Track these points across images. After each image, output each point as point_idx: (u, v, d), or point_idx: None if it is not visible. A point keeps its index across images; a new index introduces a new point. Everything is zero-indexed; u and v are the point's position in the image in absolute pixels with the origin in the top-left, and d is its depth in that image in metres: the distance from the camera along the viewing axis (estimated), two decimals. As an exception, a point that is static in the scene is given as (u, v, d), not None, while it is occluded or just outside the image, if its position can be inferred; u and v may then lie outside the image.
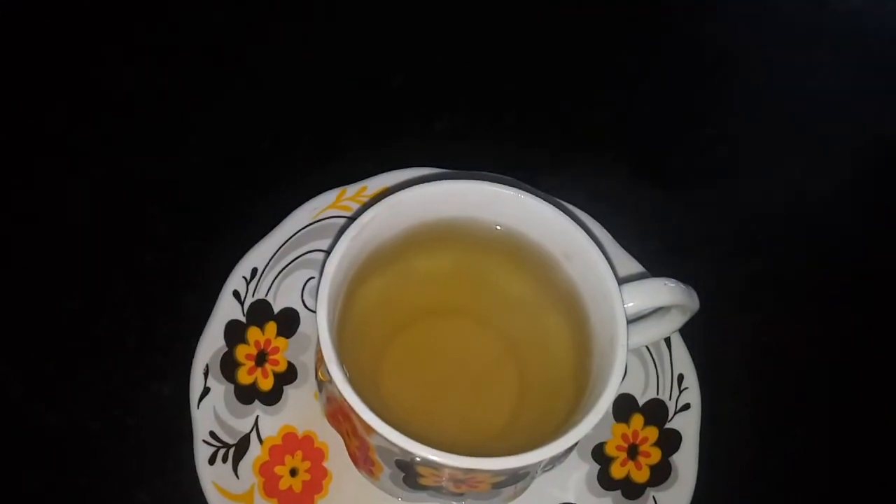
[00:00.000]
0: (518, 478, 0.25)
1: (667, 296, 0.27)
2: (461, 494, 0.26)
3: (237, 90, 0.38)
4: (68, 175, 0.36)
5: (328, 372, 0.24)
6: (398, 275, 0.29)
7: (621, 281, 0.27)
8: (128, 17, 0.39)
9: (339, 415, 0.27)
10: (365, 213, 0.27)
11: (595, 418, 0.24)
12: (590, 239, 0.27)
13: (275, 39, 0.40)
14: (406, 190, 0.27)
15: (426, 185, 0.28)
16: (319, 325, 0.24)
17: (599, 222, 0.33)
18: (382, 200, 0.27)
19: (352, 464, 0.30)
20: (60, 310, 0.33)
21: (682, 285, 0.27)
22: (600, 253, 0.27)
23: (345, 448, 0.30)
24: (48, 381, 0.32)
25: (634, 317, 0.29)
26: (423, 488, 0.26)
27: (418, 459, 0.23)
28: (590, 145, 0.39)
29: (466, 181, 0.28)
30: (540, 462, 0.23)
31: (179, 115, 0.37)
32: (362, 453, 0.27)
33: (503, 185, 0.28)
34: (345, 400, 0.23)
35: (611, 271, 0.26)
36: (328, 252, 0.26)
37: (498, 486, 0.25)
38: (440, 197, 0.28)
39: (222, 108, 0.38)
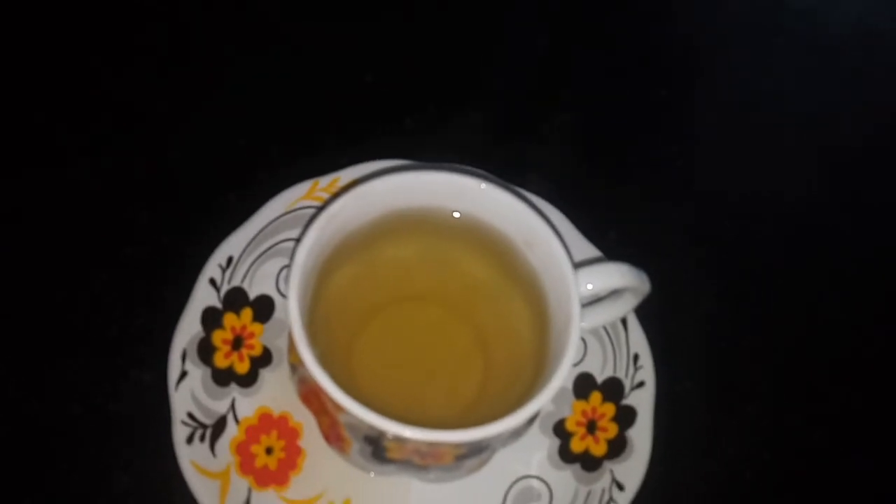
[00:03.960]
0: (479, 450, 0.27)
1: (620, 279, 0.29)
2: (427, 467, 0.28)
3: (215, 89, 0.39)
4: (51, 172, 0.37)
5: (299, 353, 0.25)
6: (367, 262, 0.30)
7: (579, 265, 0.29)
8: (111, 21, 0.40)
9: (310, 395, 0.29)
10: (333, 203, 0.28)
11: (546, 396, 0.25)
12: (548, 227, 0.28)
13: (250, 39, 0.41)
14: (373, 180, 0.29)
15: (393, 175, 0.29)
16: (290, 310, 0.26)
17: (562, 213, 0.35)
18: (350, 190, 0.28)
19: (325, 442, 0.31)
20: (44, 301, 0.35)
21: (634, 269, 0.29)
22: (558, 240, 0.28)
23: (318, 427, 0.31)
24: (32, 370, 0.34)
25: (591, 299, 0.30)
26: (391, 462, 0.28)
27: (385, 433, 0.25)
28: (554, 141, 0.40)
29: (432, 171, 0.29)
30: (497, 436, 0.25)
31: (159, 113, 0.38)
32: (333, 430, 0.28)
33: (467, 176, 0.29)
34: (313, 378, 0.24)
35: (567, 257, 0.28)
36: (299, 240, 0.27)
37: (460, 458, 0.27)
38: (406, 186, 0.29)
39: (201, 106, 0.39)
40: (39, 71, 0.39)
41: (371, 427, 0.24)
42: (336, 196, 0.28)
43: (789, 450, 0.36)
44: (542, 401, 0.25)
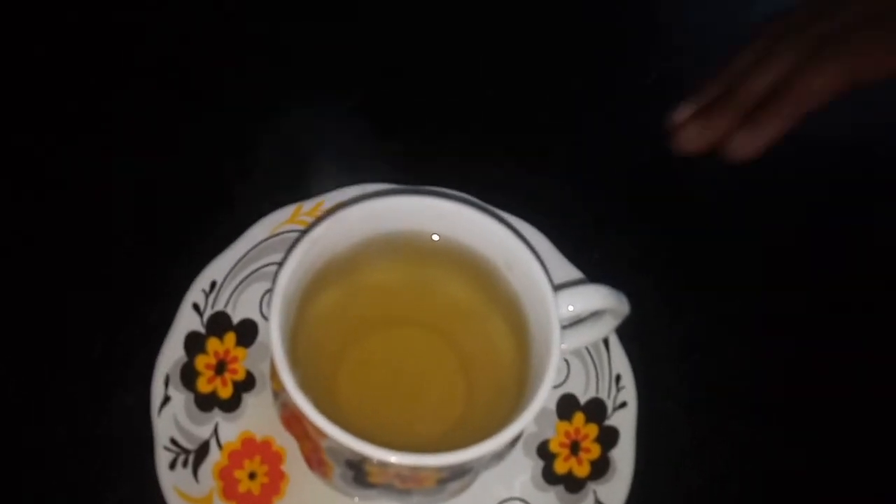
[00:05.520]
0: (461, 473, 0.27)
1: (600, 300, 0.29)
2: (409, 491, 0.28)
3: (199, 111, 0.40)
4: (34, 193, 0.37)
5: (280, 377, 0.25)
6: (350, 286, 0.31)
7: (560, 287, 0.29)
8: (97, 41, 0.41)
9: (292, 420, 0.29)
10: (316, 228, 0.28)
11: (527, 419, 0.25)
12: (528, 249, 0.29)
13: (236, 62, 0.41)
14: (356, 205, 0.29)
15: (374, 200, 0.29)
16: (272, 335, 0.26)
17: (545, 235, 0.35)
18: (333, 215, 0.29)
19: (308, 468, 0.31)
20: (27, 323, 0.35)
21: (614, 291, 0.29)
22: (538, 262, 0.28)
23: (300, 452, 0.31)
24: (16, 392, 0.33)
25: (572, 320, 0.31)
26: (373, 486, 0.28)
27: (366, 458, 0.25)
28: (537, 164, 0.40)
29: (413, 196, 0.30)
30: (478, 458, 0.25)
31: (143, 136, 0.39)
32: (315, 455, 0.28)
33: (448, 200, 0.30)
34: (294, 403, 0.24)
35: (547, 279, 0.28)
36: (281, 265, 0.27)
37: (443, 481, 0.27)
38: (388, 211, 0.29)
39: (185, 129, 0.39)
40: (22, 91, 0.39)
41: (352, 451, 0.24)
42: (319, 220, 0.29)
43: (772, 468, 0.36)
44: (522, 423, 0.25)
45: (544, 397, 0.26)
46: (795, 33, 0.40)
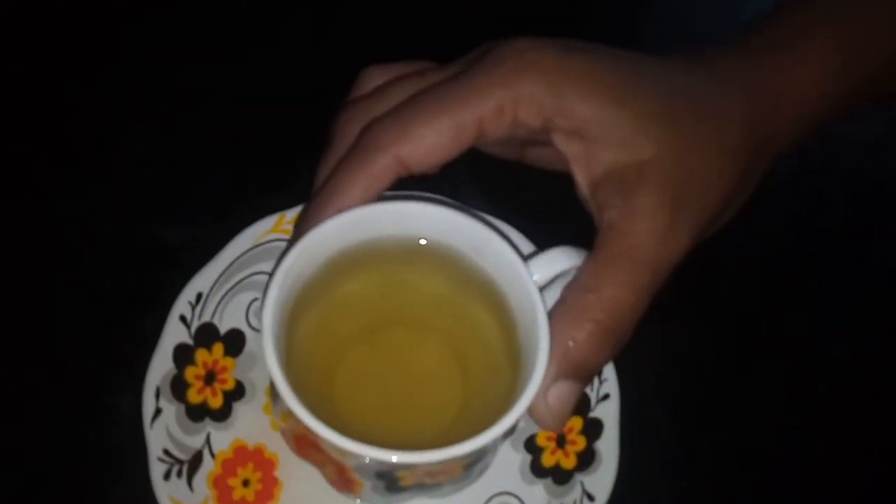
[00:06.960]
0: (483, 454, 0.28)
1: (565, 260, 0.28)
2: (439, 484, 0.28)
3: (187, 121, 0.40)
4: (30, 207, 0.36)
5: (295, 414, 0.24)
6: (330, 301, 0.30)
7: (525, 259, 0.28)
8: (87, 50, 0.40)
9: (309, 448, 0.28)
10: (290, 250, 0.27)
11: (535, 388, 0.25)
12: (490, 229, 0.28)
13: (227, 70, 0.41)
14: (325, 222, 0.28)
15: (340, 215, 0.28)
16: (270, 368, 0.25)
17: (520, 231, 0.35)
18: (306, 236, 0.28)
19: (301, 471, 0.31)
20: (24, 333, 0.34)
21: (574, 248, 0.29)
22: (502, 239, 0.28)
23: (294, 457, 0.31)
24: (11, 400, 0.33)
25: (544, 284, 0.31)
26: (405, 489, 0.28)
27: (398, 465, 0.25)
28: (513, 164, 0.42)
29: (374, 206, 0.29)
30: (501, 434, 0.25)
31: (135, 147, 0.39)
32: (341, 477, 0.28)
33: (411, 202, 0.29)
34: (315, 433, 0.24)
35: (514, 252, 0.28)
36: (264, 295, 0.27)
37: (469, 466, 0.28)
38: (355, 222, 0.29)
39: (174, 139, 0.39)
40: (15, 102, 0.38)
41: (385, 463, 0.24)
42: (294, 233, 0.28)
43: (755, 457, 0.37)
44: (531, 394, 0.25)
45: (544, 368, 0.26)
46: None
